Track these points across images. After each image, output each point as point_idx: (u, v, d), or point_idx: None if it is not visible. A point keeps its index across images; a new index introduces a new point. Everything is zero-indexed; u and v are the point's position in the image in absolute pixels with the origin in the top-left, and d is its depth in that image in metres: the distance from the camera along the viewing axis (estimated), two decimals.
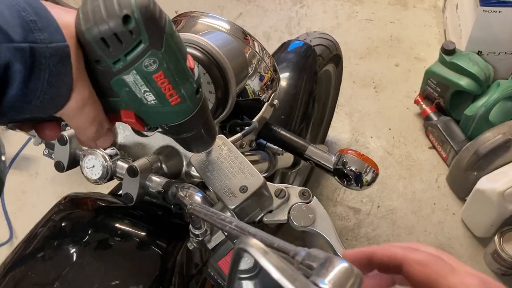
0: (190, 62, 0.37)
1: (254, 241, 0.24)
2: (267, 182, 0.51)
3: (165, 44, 0.33)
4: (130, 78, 0.34)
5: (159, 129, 0.69)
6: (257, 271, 0.27)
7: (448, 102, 1.57)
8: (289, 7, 2.08)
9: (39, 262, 0.62)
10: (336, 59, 1.31)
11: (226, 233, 0.50)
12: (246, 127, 0.68)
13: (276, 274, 0.22)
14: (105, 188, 0.77)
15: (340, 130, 1.69)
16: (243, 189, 0.48)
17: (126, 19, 0.30)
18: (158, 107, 0.36)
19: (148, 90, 0.35)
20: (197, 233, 0.49)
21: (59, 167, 0.62)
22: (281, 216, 0.52)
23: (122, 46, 0.31)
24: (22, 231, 1.56)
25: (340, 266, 0.27)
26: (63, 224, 0.67)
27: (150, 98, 0.35)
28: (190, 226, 0.49)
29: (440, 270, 0.34)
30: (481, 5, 1.42)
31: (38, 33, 0.29)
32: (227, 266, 0.48)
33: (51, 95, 0.31)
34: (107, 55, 0.32)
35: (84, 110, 0.34)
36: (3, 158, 0.39)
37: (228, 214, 0.49)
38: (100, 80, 0.34)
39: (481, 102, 1.47)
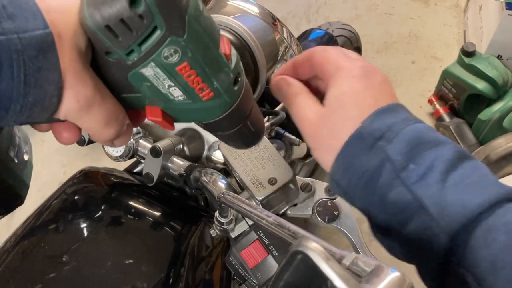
0: (226, 47, 0.31)
1: (315, 245, 0.23)
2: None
3: (188, 29, 0.27)
4: (149, 71, 0.28)
5: None
6: (303, 271, 0.26)
7: (463, 104, 1.56)
8: None
9: (51, 235, 0.61)
10: (356, 51, 1.29)
11: (249, 224, 0.49)
12: (271, 116, 0.67)
13: (339, 283, 0.21)
14: (110, 163, 0.74)
15: None
16: (272, 181, 0.48)
17: (133, 0, 0.25)
18: (188, 104, 0.31)
19: (172, 84, 0.29)
20: (222, 221, 0.48)
21: (80, 140, 0.61)
22: (306, 211, 0.51)
23: (133, 34, 0.26)
24: None
25: (392, 275, 0.26)
26: (76, 198, 0.66)
27: (177, 93, 0.30)
28: (216, 213, 0.48)
29: (336, 52, 0.39)
30: (507, 9, 1.39)
31: (6, 21, 0.24)
32: (249, 256, 0.48)
33: (34, 97, 0.26)
34: (117, 46, 0.26)
35: (92, 110, 0.29)
36: (26, 157, 0.35)
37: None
38: (115, 74, 0.29)
39: (496, 107, 1.45)
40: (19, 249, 0.60)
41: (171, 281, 0.60)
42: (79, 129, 0.32)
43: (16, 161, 0.34)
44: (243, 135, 0.37)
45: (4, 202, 0.33)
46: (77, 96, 0.27)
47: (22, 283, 0.55)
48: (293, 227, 0.33)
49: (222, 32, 0.57)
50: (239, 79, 0.33)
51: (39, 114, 0.27)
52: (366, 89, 0.37)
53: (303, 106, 0.39)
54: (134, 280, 0.57)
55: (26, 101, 0.26)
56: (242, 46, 0.58)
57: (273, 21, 0.73)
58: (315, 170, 1.53)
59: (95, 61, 0.29)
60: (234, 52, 0.32)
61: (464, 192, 0.32)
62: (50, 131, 0.32)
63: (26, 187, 0.34)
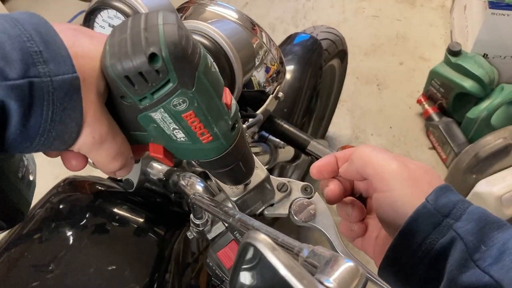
0: (227, 98, 0.34)
1: (262, 236, 0.23)
2: (270, 176, 0.51)
3: (197, 83, 0.30)
4: (158, 115, 0.31)
5: None
6: (256, 263, 0.26)
7: (451, 104, 1.57)
8: None
9: (36, 244, 0.62)
10: (342, 54, 1.30)
11: (226, 225, 0.49)
12: (250, 119, 0.68)
13: (284, 271, 0.22)
14: (98, 172, 0.76)
15: (341, 126, 1.69)
16: (246, 181, 0.48)
17: (152, 57, 0.28)
18: (189, 144, 0.34)
19: (177, 127, 0.32)
20: (197, 223, 0.48)
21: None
22: (282, 210, 0.52)
23: (148, 85, 0.29)
24: None
25: (345, 265, 0.27)
26: (61, 207, 0.66)
27: (180, 135, 0.33)
28: (191, 216, 0.48)
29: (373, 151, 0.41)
30: (489, 8, 1.41)
31: (41, 65, 0.26)
32: (226, 257, 0.48)
33: (56, 132, 0.29)
34: (132, 93, 0.30)
35: (103, 146, 0.32)
36: (31, 177, 0.37)
37: (230, 205, 0.49)
38: (126, 115, 0.32)
39: (484, 105, 1.47)
40: (4, 259, 0.61)
41: (155, 285, 0.60)
42: (86, 158, 0.34)
43: (23, 181, 0.36)
44: (234, 174, 0.40)
45: (8, 218, 0.35)
46: (93, 133, 0.30)
47: None
48: (256, 223, 0.33)
49: (197, 37, 0.58)
50: (236, 125, 0.36)
51: (58, 146, 0.30)
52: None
53: (382, 160, 0.40)
54: (117, 285, 0.57)
55: (50, 135, 0.28)
56: (217, 51, 0.59)
57: (252, 26, 0.74)
58: (307, 173, 1.54)
59: (110, 101, 0.32)
60: (234, 102, 0.35)
61: None
62: None
63: (28, 205, 0.37)
